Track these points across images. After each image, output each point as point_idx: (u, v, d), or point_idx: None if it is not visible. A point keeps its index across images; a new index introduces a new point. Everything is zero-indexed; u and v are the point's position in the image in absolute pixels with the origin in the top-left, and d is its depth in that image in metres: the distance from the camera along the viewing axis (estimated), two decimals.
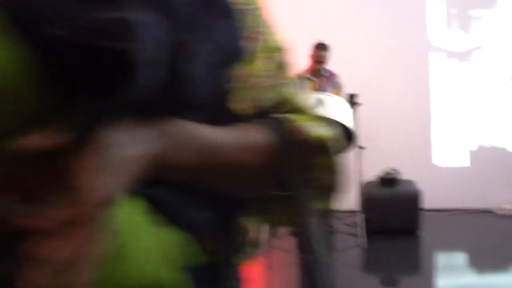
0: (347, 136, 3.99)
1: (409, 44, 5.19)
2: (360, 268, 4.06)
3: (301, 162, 0.64)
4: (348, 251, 4.24)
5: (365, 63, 5.22)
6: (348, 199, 4.47)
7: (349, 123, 3.88)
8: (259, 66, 0.64)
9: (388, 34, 5.21)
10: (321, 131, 0.66)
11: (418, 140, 5.25)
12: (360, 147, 4.18)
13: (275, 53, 0.67)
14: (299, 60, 4.55)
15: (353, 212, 4.42)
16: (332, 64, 4.61)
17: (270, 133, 0.62)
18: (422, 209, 4.53)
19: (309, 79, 4.49)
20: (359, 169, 4.28)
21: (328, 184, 0.70)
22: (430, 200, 4.94)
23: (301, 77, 4.49)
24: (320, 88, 4.45)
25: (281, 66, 0.68)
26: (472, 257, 4.19)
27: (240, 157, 0.59)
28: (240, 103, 0.61)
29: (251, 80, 0.62)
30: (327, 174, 0.69)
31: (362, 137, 4.28)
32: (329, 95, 3.96)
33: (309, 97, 3.69)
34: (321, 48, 4.40)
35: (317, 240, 0.66)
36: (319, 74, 4.48)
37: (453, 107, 5.27)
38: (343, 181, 0.71)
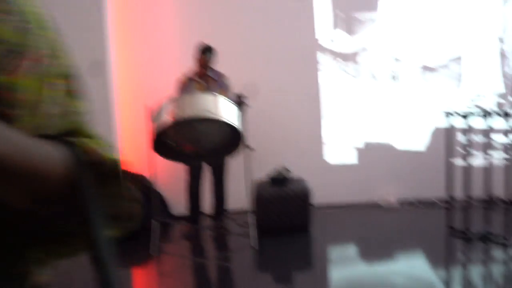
0: (236, 136, 3.93)
1: (297, 44, 5.25)
2: (254, 268, 3.97)
3: (95, 184, 0.64)
4: (241, 252, 4.15)
5: (253, 63, 5.19)
6: (240, 199, 4.40)
7: (237, 123, 3.82)
8: (44, 92, 0.61)
9: (276, 35, 5.24)
10: (113, 155, 0.67)
11: (307, 139, 5.33)
12: (249, 148, 4.12)
13: (63, 79, 0.64)
14: (187, 62, 4.42)
15: (245, 212, 4.34)
16: (220, 65, 4.55)
17: (64, 151, 0.60)
18: (312, 206, 4.57)
19: (196, 81, 4.38)
20: (249, 169, 4.21)
21: (119, 212, 0.72)
22: (320, 196, 5.02)
23: (188, 79, 4.39)
24: (206, 89, 4.40)
25: (70, 94, 0.66)
26: (362, 249, 4.30)
27: (36, 162, 0.56)
28: (24, 130, 0.57)
29: (36, 106, 0.59)
30: (118, 201, 0.71)
31: (252, 138, 4.23)
32: (215, 95, 3.88)
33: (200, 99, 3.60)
34: (205, 51, 4.37)
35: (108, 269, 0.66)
36: (206, 76, 4.40)
37: (341, 106, 5.41)
38: (135, 209, 0.76)
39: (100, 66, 4.65)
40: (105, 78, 4.68)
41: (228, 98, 4.25)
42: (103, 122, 4.69)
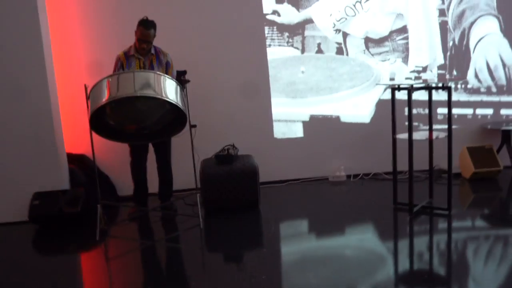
0: (178, 115, 3.83)
1: (243, 19, 5.15)
2: (203, 248, 3.92)
3: None
4: (189, 232, 4.09)
5: (198, 39, 5.05)
6: (187, 179, 4.32)
7: (178, 101, 3.72)
8: None
9: (221, 9, 5.10)
10: None
11: (254, 115, 5.27)
12: (193, 125, 4.03)
13: None
14: (129, 39, 4.23)
15: (192, 191, 4.26)
16: (164, 41, 4.37)
17: None
18: (260, 183, 4.54)
19: (136, 57, 4.19)
20: (195, 147, 4.13)
21: None
22: (268, 173, 5.00)
23: (127, 55, 4.20)
24: (146, 66, 4.23)
25: None
26: (312, 224, 4.32)
27: None
28: None
29: None
30: None
31: (198, 115, 4.14)
32: (155, 73, 3.75)
33: (138, 76, 3.51)
34: (144, 25, 4.12)
35: None
36: (145, 52, 4.20)
37: (287, 80, 5.37)
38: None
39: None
40: (41, 58, 4.42)
41: (171, 75, 4.13)
42: (41, 102, 4.46)
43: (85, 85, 3.81)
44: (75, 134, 4.94)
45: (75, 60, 4.96)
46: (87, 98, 3.78)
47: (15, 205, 4.45)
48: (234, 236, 3.97)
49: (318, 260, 3.47)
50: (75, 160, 4.93)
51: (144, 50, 4.19)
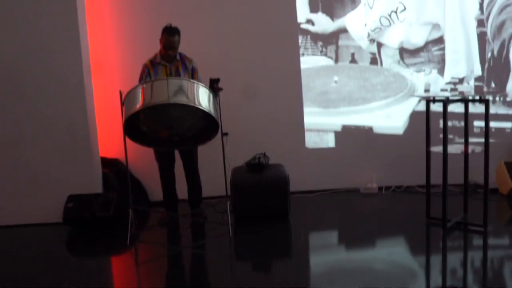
0: (210, 122, 3.86)
1: (277, 27, 5.15)
2: (231, 256, 3.92)
3: None
4: (218, 239, 4.09)
5: (231, 47, 5.08)
6: (218, 186, 4.33)
7: (210, 108, 3.75)
8: None
9: (255, 17, 5.12)
10: None
11: (286, 124, 5.25)
12: (225, 133, 4.05)
13: None
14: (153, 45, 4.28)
15: (222, 199, 4.27)
16: (196, 49, 4.44)
17: None
18: (291, 192, 4.52)
19: (162, 65, 4.25)
20: (226, 155, 4.13)
21: None
22: (299, 182, 4.97)
23: (153, 63, 4.26)
24: (172, 73, 4.26)
25: None
26: (342, 236, 4.27)
27: None
28: None
29: None
30: None
31: (228, 123, 4.15)
32: (188, 80, 3.79)
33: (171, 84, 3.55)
34: (169, 32, 4.16)
35: None
36: (171, 59, 4.25)
37: (320, 89, 5.34)
38: None
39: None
40: (79, 64, 4.53)
41: (197, 81, 4.17)
42: (77, 107, 4.57)
43: (120, 91, 3.88)
44: (109, 139, 5.03)
45: (109, 67, 5.06)
46: (122, 104, 3.84)
47: (50, 207, 4.55)
48: (263, 245, 3.96)
49: (347, 272, 3.42)
50: (109, 164, 5.02)
51: (170, 57, 4.23)
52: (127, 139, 3.95)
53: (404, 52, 5.33)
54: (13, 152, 4.57)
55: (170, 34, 4.15)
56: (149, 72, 4.22)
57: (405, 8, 5.22)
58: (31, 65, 4.51)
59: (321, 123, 5.39)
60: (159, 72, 4.23)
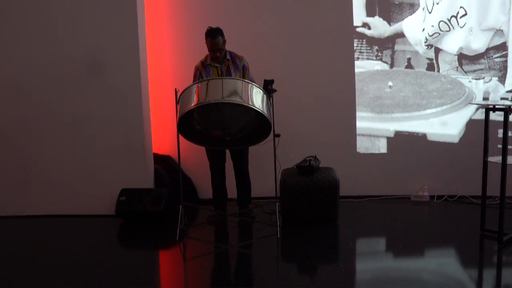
0: (263, 123, 3.89)
1: (332, 30, 5.12)
2: (277, 257, 3.93)
3: None
4: (265, 240, 4.11)
5: (285, 49, 5.09)
6: (267, 187, 4.35)
7: (264, 109, 3.77)
8: None
9: (310, 19, 5.11)
10: None
11: (338, 127, 5.21)
12: (277, 135, 4.06)
13: None
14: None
15: (271, 200, 4.28)
16: (251, 50, 4.49)
17: None
18: (340, 197, 4.48)
19: (212, 66, 4.32)
20: (276, 157, 4.14)
21: None
22: (349, 187, 4.92)
23: (204, 65, 4.33)
24: (224, 73, 4.30)
25: None
26: (390, 243, 4.19)
27: None
28: None
29: None
30: None
31: (280, 124, 4.16)
32: (244, 81, 3.83)
33: (226, 83, 3.62)
34: (211, 35, 4.19)
35: None
36: (220, 59, 4.30)
37: (374, 94, 5.27)
38: None
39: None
40: (137, 63, 4.66)
41: (247, 78, 4.20)
42: (133, 104, 4.70)
43: (175, 89, 3.97)
44: (161, 135, 5.15)
45: (164, 65, 5.17)
46: (177, 102, 3.93)
47: (104, 199, 4.70)
48: (310, 248, 3.94)
49: (394, 281, 3.36)
50: (161, 161, 5.13)
51: (218, 58, 4.28)
52: (180, 137, 4.04)
53: (463, 59, 5.18)
54: (72, 148, 4.76)
55: (212, 37, 4.19)
56: (200, 73, 4.30)
57: (466, 13, 5.07)
58: (90, 65, 4.67)
59: (373, 128, 5.31)
60: (211, 73, 4.29)
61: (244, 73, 4.33)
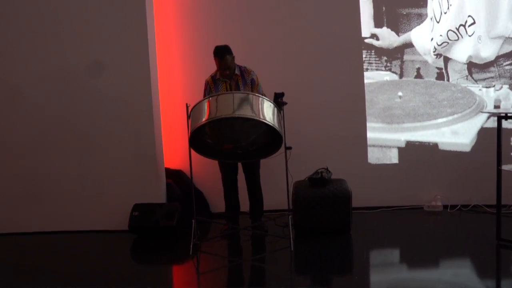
0: (274, 136, 3.90)
1: (341, 41, 5.13)
2: (291, 270, 3.91)
3: None
4: (278, 253, 4.09)
5: (294, 61, 5.11)
6: (279, 200, 4.35)
7: (274, 122, 3.79)
8: None
9: (319, 31, 5.13)
10: None
11: (349, 139, 5.20)
12: (288, 148, 4.06)
13: None
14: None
15: (284, 212, 4.27)
16: (260, 63, 4.53)
17: None
18: (352, 208, 4.46)
19: (222, 81, 4.36)
20: (288, 169, 4.14)
21: None
22: (361, 198, 4.90)
23: (214, 79, 4.37)
24: (232, 88, 4.34)
25: None
26: (404, 254, 4.16)
27: None
28: None
29: None
30: None
31: (291, 137, 4.16)
32: (255, 95, 3.84)
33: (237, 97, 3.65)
34: (218, 55, 4.25)
35: None
36: (230, 75, 4.34)
37: (384, 104, 5.26)
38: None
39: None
40: (148, 78, 4.70)
41: (258, 92, 4.23)
42: (145, 119, 4.73)
43: (186, 104, 4.00)
44: (172, 149, 5.18)
45: (173, 80, 5.21)
46: (188, 117, 3.95)
47: (117, 214, 4.72)
48: (324, 261, 3.92)
49: None
50: (172, 175, 5.15)
51: (226, 74, 4.32)
52: (192, 151, 4.05)
53: (473, 67, 5.17)
54: (84, 162, 4.79)
55: (219, 56, 4.25)
56: (210, 88, 4.34)
57: (474, 22, 5.07)
58: (101, 80, 4.72)
59: (384, 139, 5.30)
60: (220, 88, 4.33)
61: (253, 87, 4.35)
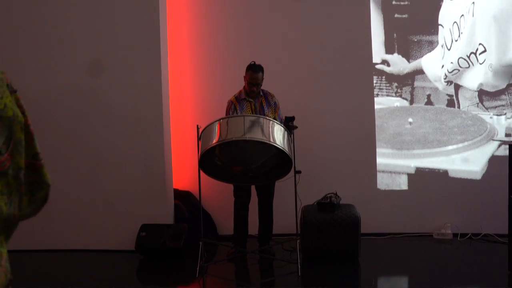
0: (284, 159, 3.89)
1: (352, 67, 5.16)
2: None
3: None
4: (286, 278, 4.05)
5: (305, 85, 5.14)
6: (288, 224, 4.32)
7: (285, 146, 3.79)
8: None
9: (330, 56, 5.16)
10: None
11: (359, 164, 5.18)
12: (298, 172, 4.05)
13: None
14: (238, 84, 4.42)
15: (292, 237, 4.24)
16: (272, 87, 4.54)
17: None
18: (361, 234, 4.42)
19: (247, 101, 4.39)
20: (297, 193, 4.13)
21: None
22: (369, 224, 4.85)
23: (239, 99, 4.40)
24: (257, 108, 4.39)
25: None
26: (413, 282, 4.10)
27: None
28: None
29: None
30: None
31: (301, 161, 4.15)
32: (265, 118, 3.85)
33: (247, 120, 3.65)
34: (253, 69, 4.32)
35: None
36: (255, 95, 4.38)
37: (394, 130, 5.25)
38: None
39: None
40: (159, 99, 4.73)
41: (277, 115, 4.27)
42: (155, 139, 4.74)
43: (197, 126, 4.01)
44: (181, 171, 5.18)
45: (185, 101, 5.24)
46: (199, 138, 3.96)
47: (124, 235, 4.69)
48: (331, 286, 3.87)
49: None
50: (181, 196, 5.14)
51: (254, 93, 4.37)
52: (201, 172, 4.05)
53: (484, 95, 5.16)
54: (93, 182, 4.79)
55: (254, 71, 4.31)
56: (235, 107, 4.37)
57: (485, 50, 5.09)
58: (113, 99, 4.75)
59: (394, 165, 5.27)
60: (245, 108, 4.38)
61: (275, 110, 4.41)
